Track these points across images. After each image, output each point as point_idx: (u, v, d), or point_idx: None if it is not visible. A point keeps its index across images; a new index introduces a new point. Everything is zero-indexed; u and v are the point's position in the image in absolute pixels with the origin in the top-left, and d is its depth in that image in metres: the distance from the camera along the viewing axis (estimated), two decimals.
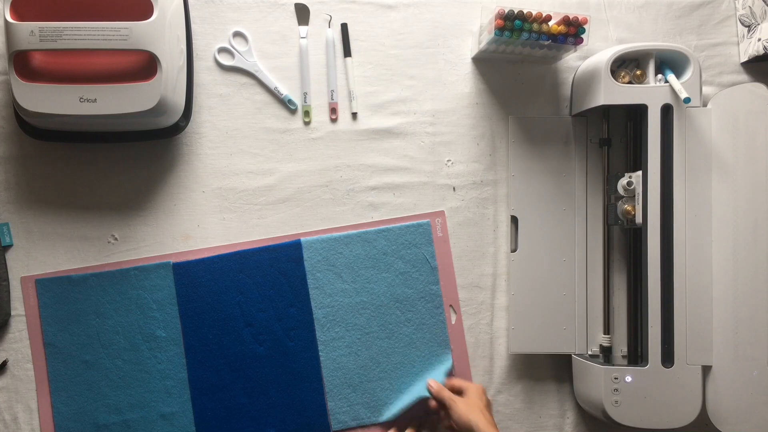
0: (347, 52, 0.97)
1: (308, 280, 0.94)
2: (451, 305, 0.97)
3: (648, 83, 0.91)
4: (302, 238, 0.94)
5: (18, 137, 0.93)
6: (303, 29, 0.96)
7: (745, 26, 0.98)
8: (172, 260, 0.94)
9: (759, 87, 0.94)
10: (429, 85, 0.98)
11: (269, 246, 0.95)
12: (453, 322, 0.96)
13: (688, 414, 0.88)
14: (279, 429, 0.93)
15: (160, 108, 0.82)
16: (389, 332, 0.95)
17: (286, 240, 0.95)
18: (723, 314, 0.90)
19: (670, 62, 0.92)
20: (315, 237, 0.94)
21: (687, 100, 0.86)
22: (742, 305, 0.90)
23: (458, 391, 0.88)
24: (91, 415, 0.92)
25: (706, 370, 0.90)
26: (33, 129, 0.88)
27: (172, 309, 0.93)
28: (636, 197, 0.90)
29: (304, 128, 0.97)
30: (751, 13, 0.97)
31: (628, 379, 0.88)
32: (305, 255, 0.94)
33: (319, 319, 0.94)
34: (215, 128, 0.96)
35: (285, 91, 0.96)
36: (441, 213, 0.97)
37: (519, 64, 0.99)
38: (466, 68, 0.99)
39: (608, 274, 0.95)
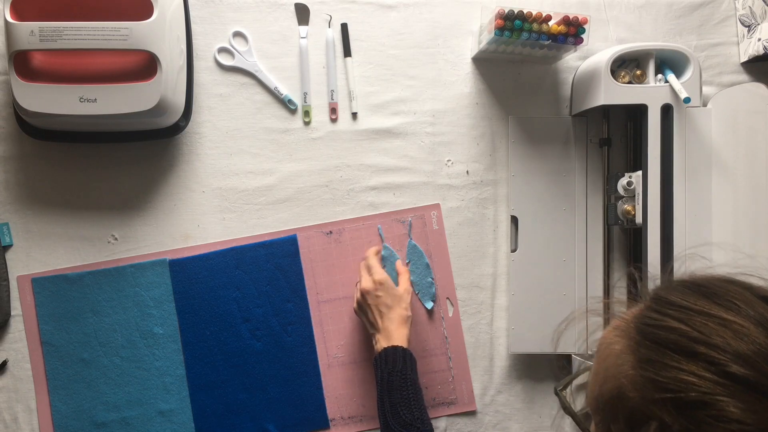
0: (347, 52, 0.97)
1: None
2: (448, 298, 0.97)
3: (648, 83, 0.91)
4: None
5: (18, 137, 0.92)
6: (303, 29, 0.96)
7: (745, 26, 0.98)
8: (168, 257, 0.94)
9: (759, 87, 0.94)
10: (429, 85, 0.98)
11: (265, 241, 0.95)
12: (450, 315, 0.96)
13: None
14: (278, 424, 0.93)
15: (160, 108, 0.82)
16: None
17: (282, 235, 0.95)
18: None
19: (670, 62, 0.92)
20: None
21: (687, 100, 0.86)
22: None
23: None
24: (90, 413, 0.92)
25: None
26: (33, 129, 0.88)
27: (169, 306, 0.93)
28: (636, 197, 0.90)
29: (304, 128, 0.97)
30: (751, 13, 0.97)
31: None
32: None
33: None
34: (215, 128, 0.95)
35: (285, 91, 0.95)
36: (437, 206, 0.97)
37: (519, 64, 0.99)
38: (466, 68, 0.99)
39: (608, 274, 0.95)
